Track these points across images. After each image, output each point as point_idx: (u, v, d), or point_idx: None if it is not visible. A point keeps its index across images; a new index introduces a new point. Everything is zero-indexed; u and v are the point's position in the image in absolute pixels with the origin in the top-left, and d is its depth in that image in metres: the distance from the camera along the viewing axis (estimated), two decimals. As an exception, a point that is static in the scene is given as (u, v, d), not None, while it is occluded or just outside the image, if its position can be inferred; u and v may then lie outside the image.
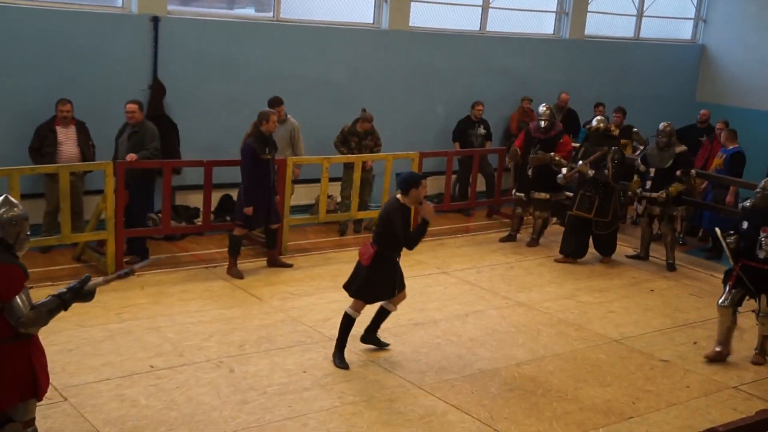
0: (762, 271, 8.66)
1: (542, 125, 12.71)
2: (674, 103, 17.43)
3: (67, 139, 11.14)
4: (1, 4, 11.34)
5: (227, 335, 8.96)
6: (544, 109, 12.86)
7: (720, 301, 8.96)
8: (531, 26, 16.62)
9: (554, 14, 16.89)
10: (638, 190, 12.19)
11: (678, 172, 11.74)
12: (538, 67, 16.29)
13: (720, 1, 18.42)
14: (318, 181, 12.52)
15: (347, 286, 8.54)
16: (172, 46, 12.43)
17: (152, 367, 8.04)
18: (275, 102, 12.10)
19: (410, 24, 14.82)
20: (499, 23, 16.02)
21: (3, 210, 5.54)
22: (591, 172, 11.62)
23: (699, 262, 12.83)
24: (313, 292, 10.39)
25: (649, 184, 12.00)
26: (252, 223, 10.99)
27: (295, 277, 10.98)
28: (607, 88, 16.44)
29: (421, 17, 14.98)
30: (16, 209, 5.63)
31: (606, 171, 11.53)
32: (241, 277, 10.81)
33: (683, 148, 12.07)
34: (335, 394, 7.76)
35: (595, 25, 17.24)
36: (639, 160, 12.40)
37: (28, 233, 5.73)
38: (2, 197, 5.75)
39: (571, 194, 12.61)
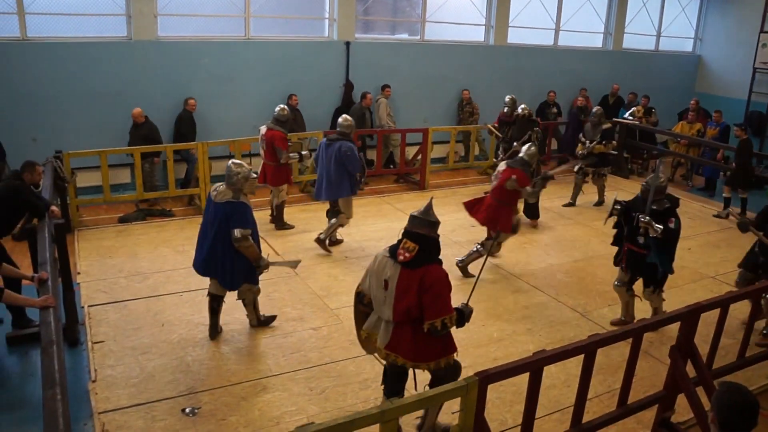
0: (641, 255, 6.55)
1: (506, 111, 11.21)
2: (680, 93, 16.66)
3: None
4: (256, 41, 11.81)
5: (391, 240, 9.28)
6: (508, 99, 11.27)
7: (615, 282, 6.95)
8: (587, 41, 16.00)
9: (602, 34, 16.24)
10: (578, 153, 11.23)
11: (603, 142, 11.00)
12: (592, 68, 15.71)
13: (711, 25, 17.49)
14: (448, 142, 12.67)
15: None
16: (358, 59, 12.58)
17: (346, 257, 8.51)
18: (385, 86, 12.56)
19: (508, 41, 14.58)
20: (566, 39, 15.53)
21: None
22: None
23: (693, 197, 12.35)
24: (445, 213, 10.53)
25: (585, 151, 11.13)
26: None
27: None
28: (637, 83, 15.76)
29: (515, 36, 14.66)
30: None
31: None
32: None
33: (608, 125, 11.37)
34: (457, 277, 7.94)
35: (629, 42, 16.48)
36: (581, 135, 11.34)
37: None
38: None
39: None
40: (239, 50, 11.60)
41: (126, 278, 7.60)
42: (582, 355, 4.56)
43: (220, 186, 5.95)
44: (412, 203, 10.83)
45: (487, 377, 3.99)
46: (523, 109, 10.91)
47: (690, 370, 5.05)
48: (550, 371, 5.34)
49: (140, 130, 10.21)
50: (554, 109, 14.54)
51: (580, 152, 11.26)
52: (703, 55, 17.78)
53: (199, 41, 11.29)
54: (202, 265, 6.11)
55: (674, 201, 6.61)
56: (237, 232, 5.75)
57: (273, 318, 6.65)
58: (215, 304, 6.26)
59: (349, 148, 8.25)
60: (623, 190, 12.41)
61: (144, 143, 10.00)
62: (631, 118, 14.00)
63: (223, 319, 6.65)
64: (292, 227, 9.51)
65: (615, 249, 9.06)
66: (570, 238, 9.72)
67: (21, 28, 10.11)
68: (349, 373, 5.82)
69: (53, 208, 6.77)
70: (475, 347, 6.34)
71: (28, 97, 10.06)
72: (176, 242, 8.79)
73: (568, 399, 5.17)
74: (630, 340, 4.84)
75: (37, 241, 5.99)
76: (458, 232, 9.61)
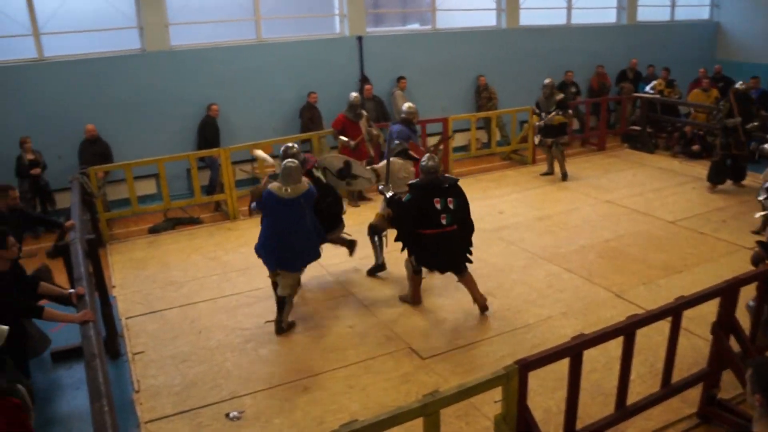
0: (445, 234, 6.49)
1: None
2: (700, 62, 16.22)
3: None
4: (268, 43, 11.86)
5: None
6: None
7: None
8: (600, 17, 15.83)
9: (615, 9, 16.05)
10: (537, 124, 11.42)
11: (560, 112, 11.12)
12: (607, 44, 15.50)
13: (727, -9, 17.37)
14: (469, 129, 12.63)
15: None
16: (371, 53, 12.60)
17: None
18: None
19: (520, 24, 14.45)
20: (579, 17, 15.36)
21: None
22: None
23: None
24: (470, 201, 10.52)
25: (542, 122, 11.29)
26: None
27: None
28: (655, 55, 15.52)
29: (527, 18, 14.54)
30: None
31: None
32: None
33: (561, 96, 11.35)
34: (490, 265, 7.91)
35: (644, 14, 16.26)
36: (534, 106, 11.52)
37: None
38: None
39: None
40: (252, 53, 11.66)
41: (160, 288, 7.69)
42: (621, 337, 4.53)
43: (279, 184, 6.31)
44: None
45: (527, 365, 3.98)
46: (741, 84, 10.73)
47: (733, 345, 5.00)
48: (590, 354, 5.27)
49: (95, 147, 9.99)
50: (573, 89, 14.39)
51: (537, 124, 11.39)
52: (722, 21, 17.49)
53: (211, 47, 11.37)
54: (296, 260, 6.48)
55: (419, 180, 6.61)
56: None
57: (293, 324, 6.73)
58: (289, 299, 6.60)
59: (401, 129, 9.32)
60: (647, 165, 12.32)
61: (99, 160, 9.75)
62: (651, 91, 13.87)
63: (257, 322, 6.72)
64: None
65: (647, 225, 9.10)
66: (598, 218, 9.60)
67: (37, 48, 10.28)
68: (388, 369, 5.84)
69: (71, 221, 6.82)
70: (511, 334, 6.33)
71: (49, 116, 10.20)
72: (207, 249, 8.88)
73: (611, 382, 5.14)
74: (669, 318, 4.80)
75: (71, 258, 6.07)
76: (486, 220, 9.56)
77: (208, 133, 10.89)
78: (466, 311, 6.81)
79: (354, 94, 10.39)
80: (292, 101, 11.87)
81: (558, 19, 15.24)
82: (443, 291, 7.32)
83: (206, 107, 11.00)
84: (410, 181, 6.78)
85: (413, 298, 7.00)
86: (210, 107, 10.96)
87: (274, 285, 6.73)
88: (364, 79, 12.50)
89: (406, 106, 9.61)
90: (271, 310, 7.00)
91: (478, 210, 9.85)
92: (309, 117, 11.60)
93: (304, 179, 6.50)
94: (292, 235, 6.36)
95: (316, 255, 6.72)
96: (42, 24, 10.23)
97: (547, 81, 11.38)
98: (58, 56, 10.41)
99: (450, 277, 7.60)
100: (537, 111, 11.43)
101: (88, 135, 9.96)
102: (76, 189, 8.10)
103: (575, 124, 14.16)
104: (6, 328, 3.65)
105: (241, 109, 11.54)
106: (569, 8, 15.22)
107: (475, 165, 12.70)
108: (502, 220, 9.57)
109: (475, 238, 8.67)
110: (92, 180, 8.96)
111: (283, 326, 6.54)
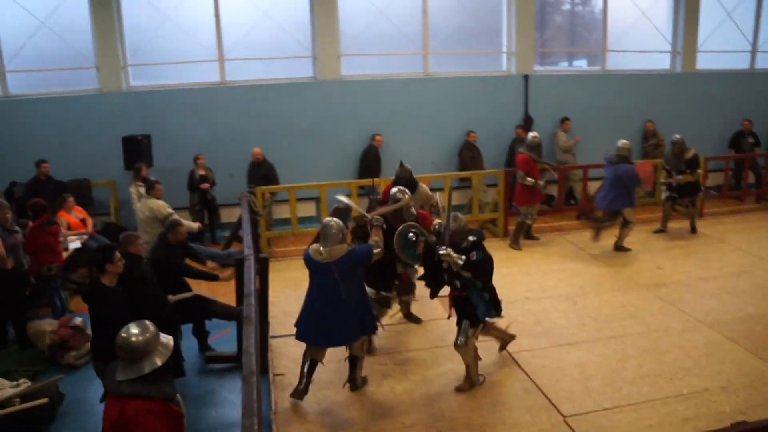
0: (462, 298, 6.08)
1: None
2: None
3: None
4: (435, 77, 12.17)
5: (572, 279, 9.01)
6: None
7: (458, 341, 6.15)
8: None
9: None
10: (664, 181, 10.91)
11: (687, 170, 10.48)
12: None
13: None
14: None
15: None
16: (536, 92, 12.56)
17: (526, 298, 8.32)
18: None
19: (697, 67, 13.75)
20: (765, 61, 14.31)
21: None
22: None
23: None
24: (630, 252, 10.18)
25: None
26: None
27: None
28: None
29: (705, 62, 13.80)
30: None
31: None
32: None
33: (693, 152, 10.58)
34: (643, 324, 7.54)
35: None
36: (663, 161, 11.05)
37: None
38: None
39: None
40: (418, 87, 12.00)
41: (309, 311, 7.98)
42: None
43: (318, 246, 5.76)
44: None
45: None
46: None
47: None
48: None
49: (260, 169, 10.68)
50: (750, 139, 13.43)
51: (664, 181, 10.94)
52: None
53: (380, 79, 11.82)
54: (341, 336, 5.87)
55: (479, 236, 6.17)
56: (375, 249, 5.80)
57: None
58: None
59: (630, 168, 9.79)
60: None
61: (264, 182, 10.36)
62: None
63: (397, 357, 6.76)
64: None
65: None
66: (773, 284, 8.81)
67: (221, 73, 11.20)
68: (524, 423, 5.70)
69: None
70: (662, 403, 5.98)
71: (225, 136, 11.10)
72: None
73: (772, 472, 4.73)
74: None
75: (243, 273, 6.18)
76: (643, 275, 9.13)
77: (370, 162, 11.32)
78: (614, 370, 6.54)
79: (533, 134, 10.31)
80: (454, 137, 12.09)
81: (740, 63, 14.35)
82: (591, 346, 7.07)
83: (370, 137, 11.42)
84: (472, 238, 6.09)
85: (477, 376, 6.37)
86: (374, 137, 11.40)
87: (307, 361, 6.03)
88: (527, 119, 12.43)
89: (621, 143, 9.95)
90: (404, 344, 7.07)
91: (634, 263, 9.58)
92: (470, 156, 11.68)
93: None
94: (325, 307, 5.73)
95: (354, 334, 5.94)
96: (227, 51, 11.13)
97: (676, 137, 10.77)
98: (238, 81, 11.30)
99: (596, 335, 7.34)
100: (666, 167, 10.92)
101: (255, 158, 10.70)
102: (245, 206, 8.64)
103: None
104: (170, 337, 3.92)
105: (403, 141, 11.83)
106: (754, 52, 14.30)
107: (639, 214, 12.12)
108: (660, 276, 9.07)
109: (629, 294, 8.43)
110: (258, 199, 9.55)
111: (357, 384, 6.23)
